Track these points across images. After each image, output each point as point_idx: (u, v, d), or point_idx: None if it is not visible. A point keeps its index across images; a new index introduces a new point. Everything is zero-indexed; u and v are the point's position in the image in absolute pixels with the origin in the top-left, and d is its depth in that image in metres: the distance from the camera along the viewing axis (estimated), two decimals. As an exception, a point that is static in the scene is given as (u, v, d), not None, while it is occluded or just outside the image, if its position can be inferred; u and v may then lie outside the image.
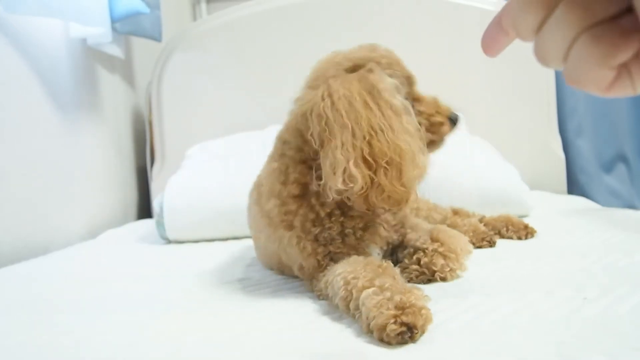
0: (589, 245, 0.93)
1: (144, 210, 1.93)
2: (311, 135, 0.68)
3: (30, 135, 1.27)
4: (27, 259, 1.16)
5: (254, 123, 1.79)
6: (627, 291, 0.63)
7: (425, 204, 1.14)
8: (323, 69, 0.74)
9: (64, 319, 0.69)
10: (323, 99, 0.67)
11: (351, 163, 0.63)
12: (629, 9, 0.22)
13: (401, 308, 0.53)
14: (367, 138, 0.64)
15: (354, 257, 0.69)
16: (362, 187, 0.64)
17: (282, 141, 0.76)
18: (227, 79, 1.90)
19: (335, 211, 0.73)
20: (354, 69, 0.72)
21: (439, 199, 1.31)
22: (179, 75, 1.91)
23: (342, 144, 0.64)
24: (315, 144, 0.67)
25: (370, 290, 0.57)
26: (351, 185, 0.63)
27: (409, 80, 0.77)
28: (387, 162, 0.64)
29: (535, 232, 1.07)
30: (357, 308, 0.58)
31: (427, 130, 0.77)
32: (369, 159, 0.64)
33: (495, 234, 1.06)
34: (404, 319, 0.51)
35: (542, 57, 0.26)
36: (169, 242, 1.32)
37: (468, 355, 0.49)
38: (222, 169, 1.44)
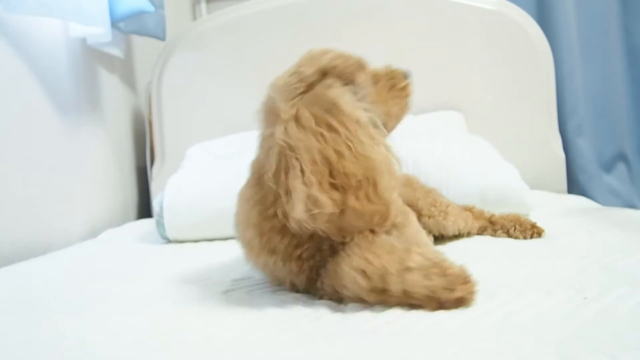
0: (589, 245, 0.93)
1: (144, 210, 1.93)
2: (272, 174, 0.65)
3: (30, 136, 1.27)
4: (27, 259, 1.16)
5: (253, 123, 1.78)
6: (627, 291, 0.63)
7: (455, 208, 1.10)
8: (275, 100, 0.69)
9: (64, 319, 0.69)
10: (282, 135, 0.64)
11: (314, 189, 0.59)
12: None
13: None
14: (333, 160, 0.61)
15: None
16: (333, 213, 0.60)
17: (257, 170, 0.74)
18: (226, 79, 1.90)
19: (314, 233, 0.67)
20: (308, 88, 0.68)
21: (439, 198, 1.31)
22: (179, 75, 1.91)
23: (303, 173, 0.61)
24: (273, 184, 0.64)
25: None
26: (317, 211, 0.59)
27: (361, 67, 0.73)
28: (358, 182, 0.61)
29: (543, 231, 1.06)
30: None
31: (397, 97, 0.77)
32: (337, 182, 0.60)
33: (504, 232, 1.08)
34: None
35: None
36: (169, 241, 1.32)
37: (468, 355, 0.49)
38: (221, 168, 1.44)
